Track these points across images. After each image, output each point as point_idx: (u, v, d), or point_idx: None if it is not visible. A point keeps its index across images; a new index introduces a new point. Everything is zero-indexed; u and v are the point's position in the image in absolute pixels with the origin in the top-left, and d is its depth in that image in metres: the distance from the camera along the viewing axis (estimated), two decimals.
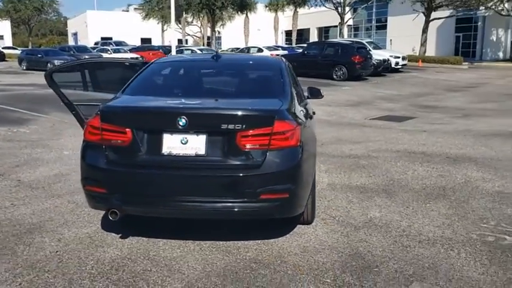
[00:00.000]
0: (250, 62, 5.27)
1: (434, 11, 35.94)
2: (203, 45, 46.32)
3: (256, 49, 28.42)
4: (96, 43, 44.59)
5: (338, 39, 29.95)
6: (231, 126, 3.43)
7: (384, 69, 23.95)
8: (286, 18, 55.38)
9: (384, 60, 24.01)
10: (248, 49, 29.03)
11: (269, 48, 30.12)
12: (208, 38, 49.59)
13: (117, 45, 38.71)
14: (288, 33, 58.89)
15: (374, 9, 51.26)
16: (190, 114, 3.49)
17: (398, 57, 25.75)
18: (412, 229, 4.23)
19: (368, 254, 3.71)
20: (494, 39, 44.23)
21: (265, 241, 3.92)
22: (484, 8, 38.01)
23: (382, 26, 53.90)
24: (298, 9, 46.10)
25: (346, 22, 41.84)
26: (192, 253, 3.70)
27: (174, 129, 3.50)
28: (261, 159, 3.44)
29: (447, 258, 3.62)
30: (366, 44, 25.42)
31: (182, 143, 3.51)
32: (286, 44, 49.52)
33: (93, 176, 3.66)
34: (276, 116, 3.50)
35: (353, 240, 3.97)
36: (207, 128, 3.51)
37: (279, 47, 33.21)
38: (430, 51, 41.60)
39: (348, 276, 3.34)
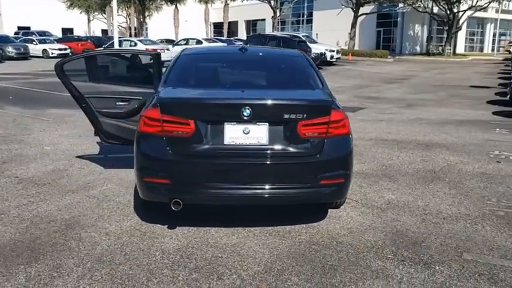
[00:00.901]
0: (278, 54, 5.44)
1: (362, 6, 37.64)
2: (130, 36, 44.96)
3: (195, 41, 28.21)
4: (16, 33, 41.63)
5: (276, 33, 30.52)
6: (292, 116, 3.61)
7: (321, 62, 24.83)
8: (214, 11, 55.21)
9: (321, 54, 24.91)
10: (187, 40, 28.69)
11: (208, 40, 29.98)
12: (135, 28, 48.19)
13: (40, 35, 36.43)
14: (216, 26, 58.81)
15: (301, 4, 52.60)
16: (255, 105, 3.62)
17: (333, 51, 26.85)
18: (431, 208, 4.66)
19: (408, 231, 4.06)
20: (412, 34, 47.28)
21: (309, 225, 4.14)
22: (403, 4, 40.47)
23: (308, 20, 55.54)
24: (229, 2, 46.13)
25: (279, 16, 42.58)
26: (249, 239, 3.83)
27: (237, 120, 3.61)
28: (319, 146, 3.66)
29: (477, 232, 4.07)
30: (303, 37, 26.16)
31: (244, 132, 3.62)
32: (214, 36, 49.40)
33: (155, 167, 3.67)
34: (332, 106, 3.74)
35: (387, 220, 4.31)
36: (269, 118, 3.66)
37: (217, 39, 33.14)
38: (354, 45, 43.61)
39: (404, 251, 3.66)
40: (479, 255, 3.60)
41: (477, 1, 38.49)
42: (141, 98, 5.30)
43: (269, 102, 3.74)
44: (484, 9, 40.46)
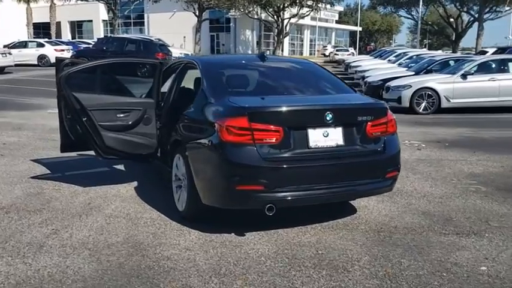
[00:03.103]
0: (298, 62, 5.75)
1: (204, 11, 38.69)
2: None
3: (35, 43, 25.50)
4: None
5: (130, 36, 29.47)
6: (364, 118, 4.05)
7: None
8: (35, 10, 50.29)
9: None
10: (25, 43, 25.73)
11: (50, 43, 27.37)
12: None
13: None
14: (36, 27, 53.61)
15: (132, 6, 51.39)
16: (335, 110, 3.95)
17: (188, 55, 27.18)
18: (420, 191, 5.51)
19: (429, 211, 4.80)
20: (244, 39, 50.28)
21: (353, 217, 4.60)
22: (234, 10, 42.82)
23: (139, 23, 54.55)
24: (55, 1, 42.61)
25: (119, 17, 40.96)
26: (325, 234, 4.12)
27: (318, 124, 3.90)
28: (382, 144, 4.17)
29: (475, 205, 5.02)
30: (156, 41, 25.89)
31: (324, 136, 3.92)
32: (34, 37, 45.06)
33: (247, 174, 3.71)
34: (387, 107, 4.28)
35: (404, 205, 5.00)
36: (345, 120, 4.03)
37: (59, 41, 30.41)
38: (190, 49, 44.56)
39: (449, 226, 4.37)
40: (499, 221, 4.52)
41: (299, 9, 42.80)
42: (140, 108, 5.08)
43: (347, 106, 4.11)
44: (303, 17, 45.20)
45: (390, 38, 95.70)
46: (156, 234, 4.12)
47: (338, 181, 3.97)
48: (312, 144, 3.89)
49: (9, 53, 21.38)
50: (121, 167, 6.42)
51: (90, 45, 27.92)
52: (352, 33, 75.07)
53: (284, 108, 3.87)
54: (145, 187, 5.55)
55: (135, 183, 5.68)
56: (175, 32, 45.40)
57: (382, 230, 4.28)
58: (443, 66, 16.38)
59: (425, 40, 78.68)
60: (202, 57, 5.15)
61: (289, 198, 3.83)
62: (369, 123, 4.08)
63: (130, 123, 5.02)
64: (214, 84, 4.42)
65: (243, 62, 5.28)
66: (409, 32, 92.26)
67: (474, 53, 31.13)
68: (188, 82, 5.23)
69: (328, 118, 3.89)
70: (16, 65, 22.86)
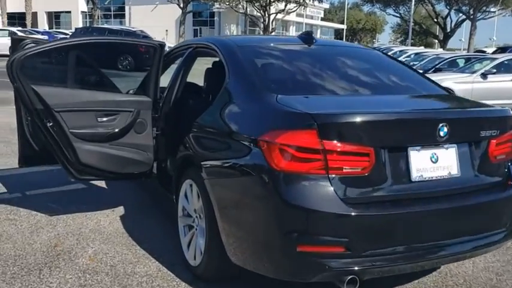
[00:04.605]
0: (356, 48, 4.22)
1: (189, 3, 37.02)
2: None
3: (7, 32, 23.46)
4: None
5: (111, 27, 27.64)
6: (487, 133, 2.62)
7: None
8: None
9: None
10: None
11: (24, 32, 25.32)
12: None
13: None
14: (11, 17, 50.99)
15: None
16: (452, 121, 2.48)
17: (171, 47, 25.48)
18: None
19: None
20: (229, 33, 48.59)
21: (440, 274, 3.19)
22: (219, 4, 41.31)
23: (120, 15, 52.45)
24: None
25: (99, 9, 38.95)
26: None
27: (425, 143, 2.45)
28: (507, 173, 2.73)
29: None
30: (139, 32, 24.16)
31: (432, 161, 2.47)
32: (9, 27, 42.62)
33: (317, 227, 2.22)
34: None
35: None
36: (463, 137, 2.58)
37: (34, 31, 28.34)
38: (172, 42, 42.90)
39: None
40: None
41: (286, 5, 41.47)
42: (131, 109, 3.57)
43: (467, 116, 2.65)
44: (289, 13, 43.89)
45: (373, 37, 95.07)
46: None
47: (454, 235, 2.50)
48: (415, 174, 2.43)
49: None
50: (102, 183, 4.86)
51: (68, 36, 25.98)
52: (337, 31, 74.14)
53: (375, 117, 2.41)
54: (136, 215, 4.06)
55: (121, 209, 4.18)
56: (157, 25, 43.59)
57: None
58: (451, 65, 15.31)
59: (407, 40, 78.19)
60: (223, 39, 3.56)
61: (384, 265, 2.35)
62: (492, 140, 2.65)
63: (116, 130, 3.51)
64: (248, 77, 2.92)
65: (283, 45, 3.57)
66: (392, 32, 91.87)
67: (467, 52, 30.22)
68: (201, 74, 3.71)
69: (441, 133, 2.44)
70: None
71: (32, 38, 4.14)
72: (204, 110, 3.06)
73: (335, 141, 2.26)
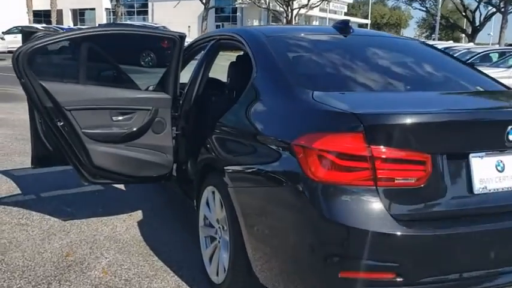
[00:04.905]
0: (398, 39, 3.85)
1: None
2: None
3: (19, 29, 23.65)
4: None
5: (133, 23, 27.71)
6: None
7: None
8: None
9: None
10: (21, 28, 23.89)
11: (48, 28, 25.51)
12: None
13: None
14: (36, 14, 51.72)
15: None
16: None
17: None
18: None
19: None
20: None
21: None
22: None
23: (143, 11, 52.64)
24: None
25: (122, 6, 39.16)
26: None
27: (490, 148, 2.07)
28: None
29: None
30: (161, 28, 24.03)
31: (498, 169, 2.09)
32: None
33: (363, 250, 1.88)
34: None
35: None
36: None
37: (58, 27, 28.50)
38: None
39: None
40: None
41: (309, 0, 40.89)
42: (149, 108, 3.27)
43: None
44: (313, 8, 43.25)
45: (398, 32, 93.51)
46: None
47: None
48: (478, 186, 2.05)
49: (2, 38, 19.48)
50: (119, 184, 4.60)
51: None
52: (361, 27, 73.10)
53: (433, 118, 2.04)
54: (155, 220, 3.78)
55: (139, 214, 3.91)
56: (180, 21, 43.57)
57: None
58: (483, 60, 14.72)
59: (433, 35, 76.47)
60: (249, 29, 3.19)
61: None
62: None
63: (132, 130, 3.22)
64: (278, 71, 2.56)
65: (317, 36, 3.17)
66: (417, 27, 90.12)
67: (499, 46, 29.19)
68: (224, 68, 3.37)
69: (510, 137, 2.06)
70: (9, 52, 21.07)
71: (43, 30, 3.87)
72: (228, 108, 2.74)
73: (385, 147, 1.90)
